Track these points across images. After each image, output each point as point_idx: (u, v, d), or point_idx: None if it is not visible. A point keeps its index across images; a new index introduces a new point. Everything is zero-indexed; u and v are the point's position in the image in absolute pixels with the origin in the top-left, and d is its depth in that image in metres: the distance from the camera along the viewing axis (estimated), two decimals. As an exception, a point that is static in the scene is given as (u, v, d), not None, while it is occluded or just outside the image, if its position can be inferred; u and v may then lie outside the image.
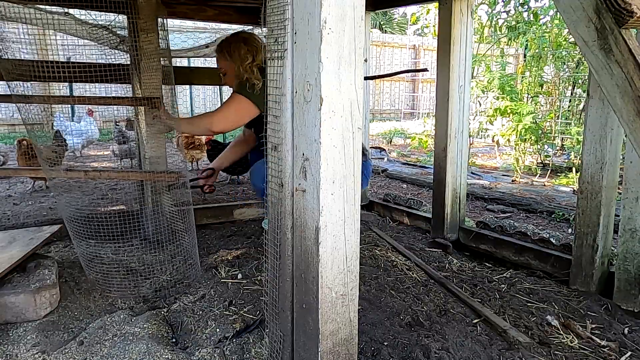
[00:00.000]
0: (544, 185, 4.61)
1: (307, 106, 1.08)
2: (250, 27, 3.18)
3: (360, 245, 1.16)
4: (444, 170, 2.67)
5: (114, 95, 2.61)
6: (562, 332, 1.68)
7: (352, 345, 1.17)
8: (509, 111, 5.00)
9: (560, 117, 5.39)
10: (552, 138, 5.34)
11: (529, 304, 1.89)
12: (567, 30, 4.70)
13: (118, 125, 5.30)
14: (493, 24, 5.41)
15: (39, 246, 1.97)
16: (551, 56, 5.42)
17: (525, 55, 6.49)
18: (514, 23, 5.28)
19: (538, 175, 4.98)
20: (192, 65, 6.29)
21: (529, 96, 5.59)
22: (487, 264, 2.41)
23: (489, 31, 5.67)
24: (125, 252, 2.28)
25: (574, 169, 4.81)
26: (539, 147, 5.37)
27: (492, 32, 5.62)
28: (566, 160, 5.51)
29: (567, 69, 5.66)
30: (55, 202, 3.55)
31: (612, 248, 2.06)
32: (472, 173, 5.01)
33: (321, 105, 1.03)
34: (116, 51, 2.25)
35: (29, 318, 1.68)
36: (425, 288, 2.03)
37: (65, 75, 1.90)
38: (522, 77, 5.77)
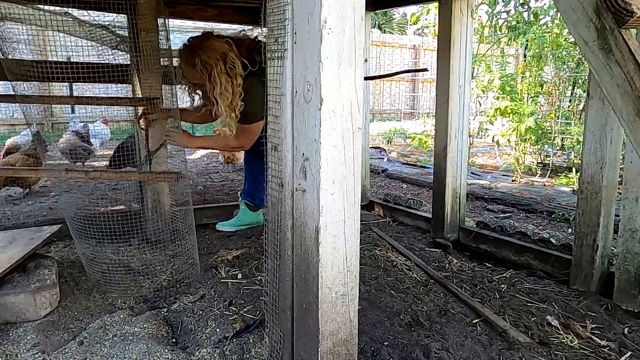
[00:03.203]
0: (544, 185, 4.61)
1: (307, 106, 1.08)
2: (250, 27, 3.18)
3: (360, 245, 1.16)
4: (444, 170, 2.67)
5: (112, 95, 2.61)
6: (562, 332, 1.68)
7: (352, 345, 1.17)
8: (509, 111, 5.00)
9: (560, 117, 5.39)
10: (552, 138, 5.34)
11: (529, 304, 1.89)
12: (567, 30, 4.70)
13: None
14: (493, 24, 5.41)
15: (39, 246, 1.97)
16: (551, 56, 5.42)
17: (525, 55, 6.49)
18: (514, 23, 5.28)
19: (538, 175, 4.98)
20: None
21: (529, 96, 5.59)
22: (487, 264, 2.41)
23: (489, 31, 5.67)
24: (125, 252, 2.28)
25: (574, 169, 4.81)
26: (539, 147, 5.37)
27: (492, 32, 5.61)
28: (566, 160, 5.51)
29: (567, 69, 5.65)
30: (55, 202, 3.55)
31: (612, 248, 2.06)
32: (472, 173, 5.01)
33: (321, 105, 1.03)
34: (116, 51, 2.25)
35: (29, 318, 1.68)
36: (425, 288, 2.03)
37: (65, 75, 1.90)
38: (522, 77, 5.76)
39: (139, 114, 2.24)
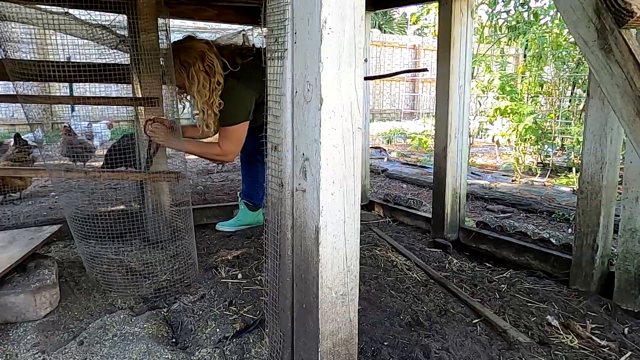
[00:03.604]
0: (544, 185, 4.61)
1: (307, 106, 1.08)
2: (250, 27, 3.18)
3: (360, 245, 1.16)
4: (444, 170, 2.67)
5: (112, 95, 2.61)
6: (562, 332, 1.68)
7: (352, 345, 1.17)
8: (509, 111, 5.00)
9: (560, 117, 5.39)
10: (552, 138, 5.34)
11: (529, 304, 1.89)
12: (567, 30, 4.70)
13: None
14: (493, 24, 5.41)
15: (39, 246, 1.97)
16: (551, 56, 5.42)
17: (525, 55, 6.49)
18: (514, 23, 5.28)
19: (538, 175, 4.98)
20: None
21: (529, 96, 5.59)
22: (487, 264, 2.41)
23: (489, 31, 5.67)
24: (125, 252, 2.28)
25: (574, 169, 4.81)
26: (539, 147, 5.37)
27: (492, 32, 5.61)
28: (566, 160, 5.51)
29: (567, 69, 5.65)
30: (55, 202, 3.55)
31: (612, 248, 2.06)
32: (472, 173, 5.01)
33: (321, 105, 1.03)
34: (116, 51, 2.25)
35: (29, 318, 1.68)
36: (425, 288, 2.03)
37: (65, 76, 1.90)
38: (522, 77, 5.76)
39: (146, 121, 2.24)
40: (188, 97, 2.47)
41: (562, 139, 5.55)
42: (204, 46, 2.26)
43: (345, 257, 1.13)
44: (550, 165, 5.20)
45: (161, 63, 2.26)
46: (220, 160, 2.53)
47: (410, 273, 2.18)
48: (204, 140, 2.61)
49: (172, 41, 2.27)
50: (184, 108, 2.52)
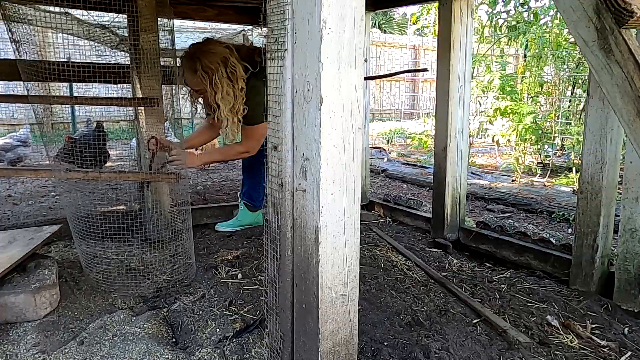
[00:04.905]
0: (544, 185, 4.61)
1: (307, 106, 1.08)
2: (250, 27, 3.18)
3: (360, 245, 1.16)
4: (444, 170, 2.67)
5: (112, 95, 2.61)
6: (562, 332, 1.68)
7: (352, 345, 1.17)
8: (509, 111, 5.00)
9: (560, 117, 5.39)
10: (552, 138, 5.33)
11: (529, 304, 1.89)
12: (567, 30, 4.70)
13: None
14: (493, 24, 5.41)
15: (39, 246, 1.97)
16: (551, 56, 5.42)
17: (525, 55, 6.49)
18: (514, 23, 5.28)
19: (538, 175, 4.98)
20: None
21: (529, 96, 5.59)
22: (487, 264, 2.41)
23: (489, 31, 5.67)
24: (125, 252, 2.28)
25: (574, 169, 4.81)
26: (539, 147, 5.37)
27: (492, 32, 5.61)
28: (566, 160, 5.50)
29: (567, 69, 5.65)
30: (55, 202, 3.55)
31: (612, 248, 2.06)
32: (472, 173, 5.01)
33: (321, 105, 1.03)
34: (116, 51, 2.25)
35: (29, 318, 1.68)
36: (425, 288, 2.03)
37: (65, 75, 1.90)
38: (522, 77, 5.76)
39: (149, 138, 2.23)
40: (200, 100, 2.45)
41: (562, 139, 5.55)
42: (226, 51, 2.24)
43: (345, 257, 1.13)
44: (550, 165, 5.20)
45: (161, 63, 2.26)
46: (244, 157, 2.54)
47: (410, 273, 2.18)
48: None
49: (176, 43, 2.26)
50: (196, 111, 2.51)
